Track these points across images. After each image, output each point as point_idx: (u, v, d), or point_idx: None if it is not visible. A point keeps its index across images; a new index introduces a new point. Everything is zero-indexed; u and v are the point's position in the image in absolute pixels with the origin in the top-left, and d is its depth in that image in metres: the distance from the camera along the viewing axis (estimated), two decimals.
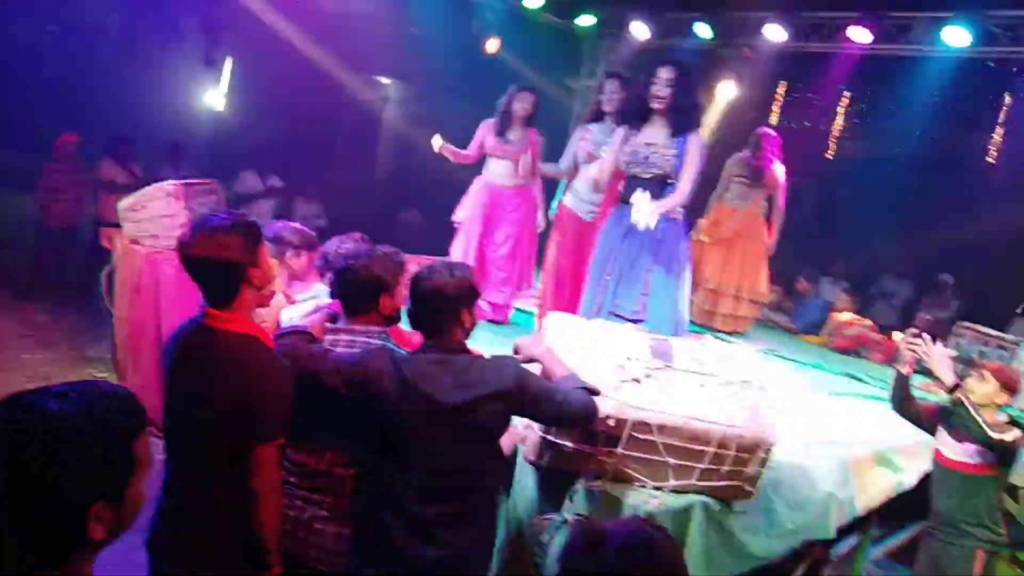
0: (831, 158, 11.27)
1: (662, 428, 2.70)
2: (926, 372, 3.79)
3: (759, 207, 6.36)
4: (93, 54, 8.06)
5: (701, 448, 2.73)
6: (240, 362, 2.13)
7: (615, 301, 4.14)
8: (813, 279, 8.27)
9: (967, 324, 6.03)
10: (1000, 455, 3.52)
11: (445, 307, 2.30)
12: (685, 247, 4.23)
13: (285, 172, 8.63)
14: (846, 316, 6.94)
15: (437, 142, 5.22)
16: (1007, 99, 9.34)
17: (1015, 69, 6.98)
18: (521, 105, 5.26)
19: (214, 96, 9.95)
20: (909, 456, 4.07)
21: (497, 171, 5.37)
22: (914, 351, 3.68)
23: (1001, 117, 9.65)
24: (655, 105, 4.05)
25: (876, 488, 3.81)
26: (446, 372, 2.28)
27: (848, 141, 11.15)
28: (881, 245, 9.32)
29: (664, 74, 4.02)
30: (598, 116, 5.11)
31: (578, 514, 2.27)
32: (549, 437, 2.73)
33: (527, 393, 2.31)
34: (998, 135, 9.95)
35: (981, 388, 3.61)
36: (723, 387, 2.84)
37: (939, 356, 3.62)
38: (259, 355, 2.16)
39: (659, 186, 4.05)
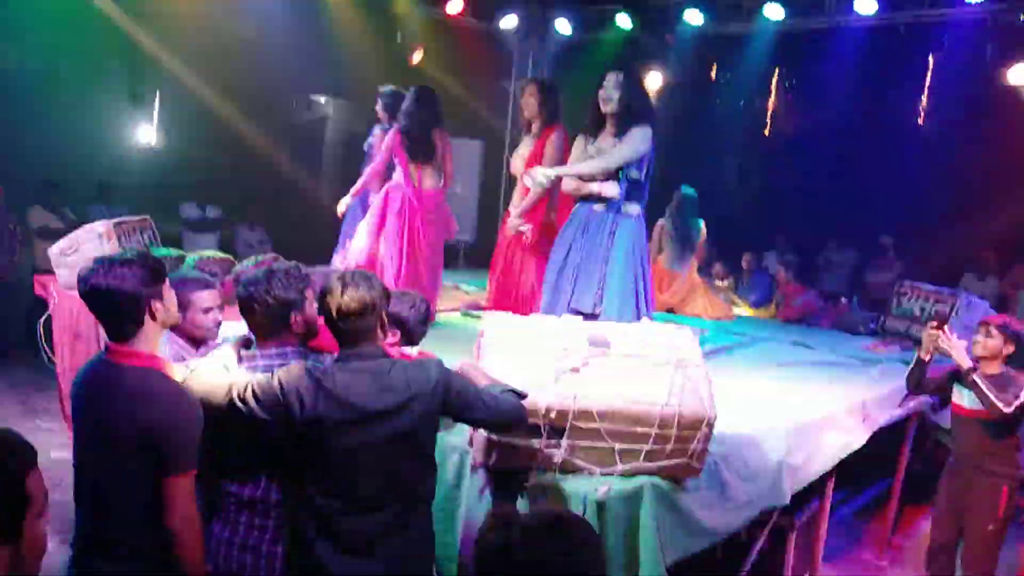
0: (768, 135, 11.47)
1: (603, 415, 2.72)
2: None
3: (695, 270, 6.85)
4: (14, 100, 7.83)
5: (644, 430, 2.75)
6: (142, 395, 2.09)
7: (573, 298, 4.18)
8: (759, 253, 8.42)
9: (908, 282, 6.18)
10: (1015, 417, 3.80)
11: (367, 315, 2.25)
12: (642, 241, 4.27)
13: (226, 201, 8.51)
14: (790, 286, 7.09)
15: None
16: (929, 61, 9.61)
17: (923, 33, 7.29)
18: None
19: (146, 132, 9.76)
20: (856, 416, 4.17)
21: None
22: (934, 341, 4.00)
23: (926, 80, 9.92)
24: (605, 110, 4.12)
25: (827, 451, 3.87)
26: (368, 378, 2.24)
27: (783, 117, 11.35)
28: (824, 214, 9.51)
29: (612, 79, 4.09)
30: None
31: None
32: (494, 437, 2.73)
33: (452, 390, 2.30)
34: (924, 97, 10.22)
35: (989, 343, 3.90)
36: (660, 367, 2.87)
37: (957, 345, 3.94)
38: (161, 387, 2.12)
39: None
